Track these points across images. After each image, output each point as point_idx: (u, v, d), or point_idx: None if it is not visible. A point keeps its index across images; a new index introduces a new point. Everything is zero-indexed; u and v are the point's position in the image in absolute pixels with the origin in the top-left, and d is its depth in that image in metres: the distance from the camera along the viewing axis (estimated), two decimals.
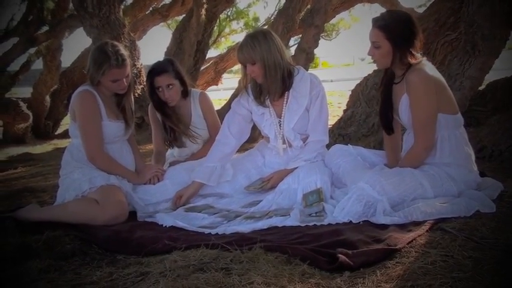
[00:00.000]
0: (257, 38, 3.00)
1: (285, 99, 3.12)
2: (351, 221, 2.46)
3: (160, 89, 3.38)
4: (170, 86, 3.37)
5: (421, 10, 7.79)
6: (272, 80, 3.03)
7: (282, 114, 3.14)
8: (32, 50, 10.45)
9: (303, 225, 2.50)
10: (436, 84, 2.68)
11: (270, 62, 2.98)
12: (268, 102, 3.15)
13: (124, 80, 3.06)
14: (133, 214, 2.96)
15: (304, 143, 3.15)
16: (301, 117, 3.11)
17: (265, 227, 2.53)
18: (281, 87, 3.07)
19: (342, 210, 2.53)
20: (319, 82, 3.16)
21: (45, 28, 10.00)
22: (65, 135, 9.53)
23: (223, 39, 13.01)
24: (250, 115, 3.23)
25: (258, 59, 2.97)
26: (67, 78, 10.53)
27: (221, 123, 3.48)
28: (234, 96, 7.33)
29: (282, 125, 3.15)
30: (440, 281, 1.75)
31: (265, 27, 10.22)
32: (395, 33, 2.66)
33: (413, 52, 2.69)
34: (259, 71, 3.01)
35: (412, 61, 2.68)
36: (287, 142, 3.17)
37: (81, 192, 2.90)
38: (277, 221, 2.58)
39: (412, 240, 2.15)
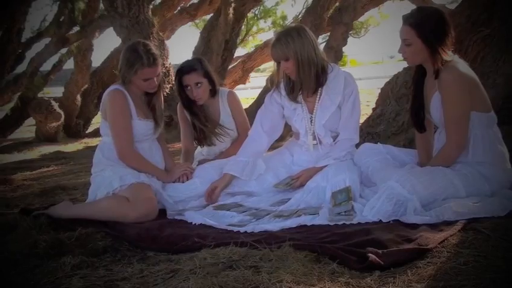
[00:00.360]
0: (291, 35, 2.99)
1: (318, 96, 3.11)
2: (380, 220, 2.43)
3: (188, 88, 3.40)
4: (198, 85, 3.39)
5: (452, 6, 7.66)
6: (306, 76, 3.02)
7: (314, 110, 3.13)
8: (64, 50, 10.64)
9: (331, 224, 2.49)
10: (469, 81, 2.64)
11: (304, 58, 2.98)
12: (300, 98, 3.15)
13: (155, 79, 3.09)
14: (162, 212, 2.99)
15: (334, 141, 3.14)
16: (333, 115, 3.10)
17: (293, 226, 2.53)
18: (315, 83, 3.06)
19: (371, 209, 2.51)
20: (353, 80, 3.14)
21: (76, 28, 10.16)
22: (96, 134, 9.67)
23: (250, 38, 13.05)
24: (283, 110, 3.23)
25: (292, 55, 2.97)
26: (97, 77, 10.71)
27: (249, 122, 3.48)
28: (261, 95, 7.34)
29: (313, 121, 3.14)
30: (473, 281, 1.72)
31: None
32: (426, 31, 2.62)
33: (445, 49, 2.64)
34: (293, 67, 3.01)
35: (444, 58, 2.64)
36: (317, 139, 3.16)
37: (112, 190, 2.93)
38: (305, 220, 2.57)
39: (443, 240, 2.12)
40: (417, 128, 2.89)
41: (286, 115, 3.24)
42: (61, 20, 10.31)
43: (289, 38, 2.98)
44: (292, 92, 3.14)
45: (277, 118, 3.24)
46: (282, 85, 3.20)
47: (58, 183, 4.20)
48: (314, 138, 3.16)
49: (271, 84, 3.28)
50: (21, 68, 10.53)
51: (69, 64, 11.01)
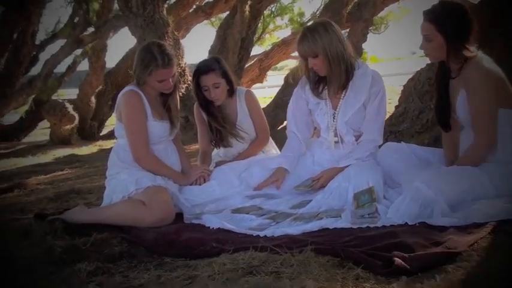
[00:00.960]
0: (317, 31, 2.95)
1: (344, 92, 3.07)
2: (406, 222, 2.37)
3: (206, 88, 3.35)
4: (216, 85, 3.34)
5: (476, 0, 7.50)
6: (336, 73, 2.99)
7: (338, 107, 3.09)
8: (78, 52, 10.69)
9: (355, 227, 2.43)
10: (494, 77, 2.58)
11: (333, 54, 2.94)
12: (325, 93, 3.12)
13: (170, 79, 3.05)
14: (179, 216, 2.94)
15: (356, 140, 3.08)
16: (357, 112, 3.05)
17: (315, 229, 2.46)
18: (344, 79, 3.02)
19: (396, 211, 2.44)
20: (380, 80, 3.09)
21: (91, 29, 10.21)
22: (110, 136, 9.69)
23: (267, 35, 12.94)
24: (308, 105, 3.21)
25: (321, 51, 2.93)
26: (112, 78, 10.72)
27: (267, 122, 3.43)
28: (279, 94, 7.30)
29: (335, 117, 3.09)
30: (504, 287, 1.67)
31: (310, 23, 10.10)
32: (448, 26, 2.57)
33: (467, 45, 2.58)
34: (322, 64, 2.97)
35: (468, 54, 2.58)
36: (339, 136, 3.11)
37: (127, 194, 2.89)
38: (327, 223, 2.52)
39: (473, 243, 2.06)
40: (443, 127, 2.83)
41: (310, 109, 3.21)
42: (75, 21, 10.37)
43: (316, 34, 2.93)
44: (318, 87, 3.11)
45: (305, 115, 3.24)
46: (306, 80, 3.16)
47: (72, 187, 4.18)
48: (335, 135, 3.12)
49: (293, 80, 3.25)
50: (35, 70, 10.62)
51: (84, 65, 11.07)
